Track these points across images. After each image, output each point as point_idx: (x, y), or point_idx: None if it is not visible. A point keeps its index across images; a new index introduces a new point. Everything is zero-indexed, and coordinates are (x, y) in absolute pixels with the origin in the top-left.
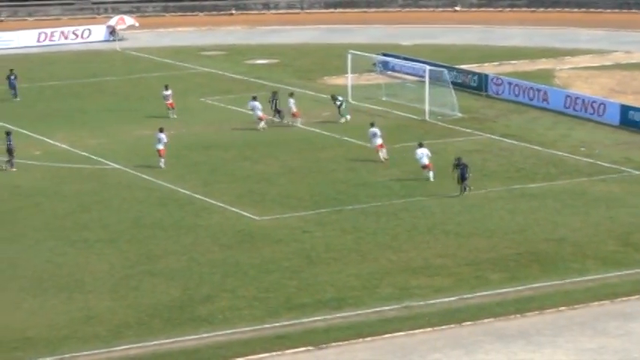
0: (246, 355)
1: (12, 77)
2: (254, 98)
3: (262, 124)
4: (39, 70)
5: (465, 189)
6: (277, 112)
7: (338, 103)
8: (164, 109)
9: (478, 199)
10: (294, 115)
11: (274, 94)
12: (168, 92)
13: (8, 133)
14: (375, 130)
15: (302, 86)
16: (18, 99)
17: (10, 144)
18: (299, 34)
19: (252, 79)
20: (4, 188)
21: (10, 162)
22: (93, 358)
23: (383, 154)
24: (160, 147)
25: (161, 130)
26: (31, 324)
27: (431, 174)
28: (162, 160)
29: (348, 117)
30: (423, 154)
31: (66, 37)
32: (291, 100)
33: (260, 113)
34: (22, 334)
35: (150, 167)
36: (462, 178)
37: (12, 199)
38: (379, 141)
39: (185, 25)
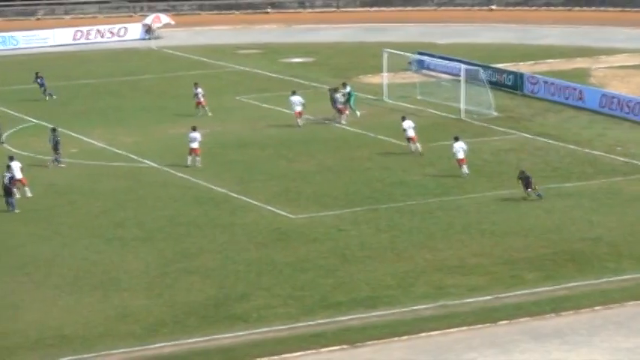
0: (282, 354)
1: (39, 79)
2: (293, 93)
3: (300, 120)
4: (75, 68)
5: (537, 194)
6: (338, 110)
7: (345, 96)
8: (189, 107)
9: (513, 198)
10: (340, 110)
11: (334, 90)
12: (199, 90)
13: (54, 130)
14: (409, 122)
15: (338, 85)
16: (47, 99)
17: (56, 140)
18: (335, 33)
19: (287, 78)
20: (40, 186)
21: (56, 159)
22: (128, 355)
23: (416, 147)
24: (195, 145)
25: (194, 129)
26: (67, 321)
27: (465, 168)
28: (198, 158)
29: (358, 113)
30: (460, 148)
31: (102, 36)
32: (338, 96)
33: (299, 108)
34: (58, 332)
35: (185, 165)
36: (527, 187)
37: (48, 196)
38: (412, 133)
39: (221, 24)
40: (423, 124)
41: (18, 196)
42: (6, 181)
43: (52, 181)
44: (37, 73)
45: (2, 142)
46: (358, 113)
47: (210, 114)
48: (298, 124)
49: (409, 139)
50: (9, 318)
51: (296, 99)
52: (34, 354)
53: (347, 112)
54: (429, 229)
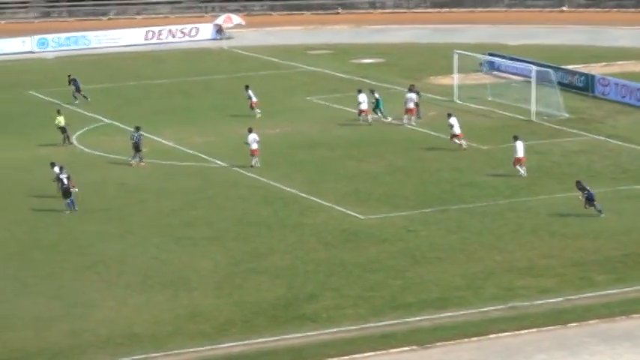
0: (351, 354)
1: (73, 81)
2: (359, 91)
3: (365, 117)
4: (147, 68)
5: (598, 210)
6: (407, 110)
7: (373, 101)
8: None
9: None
10: (409, 111)
11: (409, 90)
12: (251, 92)
13: (137, 129)
14: (455, 119)
15: (408, 86)
16: (77, 102)
17: (137, 139)
18: (405, 34)
19: (358, 79)
20: (111, 185)
21: (135, 157)
22: (198, 355)
23: (462, 142)
24: (255, 147)
25: (250, 131)
26: (137, 320)
27: (524, 169)
28: (256, 159)
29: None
30: (520, 147)
31: (173, 36)
32: (409, 96)
33: (364, 107)
34: (129, 330)
35: (255, 166)
36: (590, 201)
37: (119, 195)
38: (457, 130)
39: (292, 24)
40: (494, 125)
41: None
42: (65, 182)
43: (124, 181)
44: (69, 76)
45: (71, 143)
46: (389, 119)
47: (259, 115)
48: (365, 121)
49: (455, 136)
50: (80, 316)
51: (362, 97)
52: (104, 352)
53: (415, 113)
54: (498, 231)
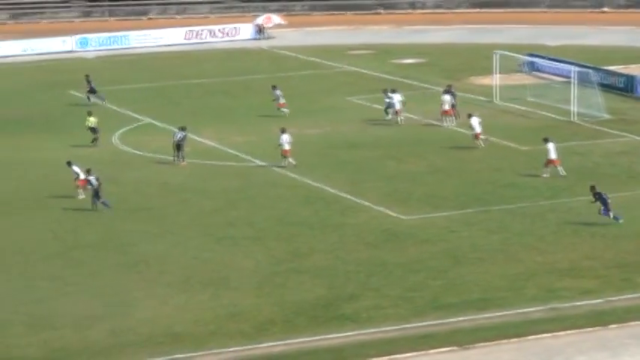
0: (391, 354)
1: (90, 83)
2: (393, 91)
3: (397, 117)
4: (187, 67)
5: (615, 218)
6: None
7: (389, 100)
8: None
9: (625, 201)
10: (445, 112)
11: (446, 91)
12: (279, 92)
13: (183, 129)
14: (476, 119)
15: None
16: (91, 102)
17: (180, 139)
18: (446, 34)
19: (398, 79)
20: (153, 185)
21: (178, 156)
22: (238, 354)
23: (481, 142)
24: (287, 147)
25: (283, 131)
26: (178, 319)
27: (555, 171)
28: (290, 159)
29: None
30: (552, 149)
31: (214, 36)
32: (445, 98)
33: (398, 107)
34: (169, 329)
35: (295, 165)
36: (605, 206)
37: (160, 195)
38: (479, 130)
39: (332, 24)
40: (534, 126)
41: (83, 196)
42: (94, 183)
43: (165, 180)
44: (87, 76)
45: (97, 145)
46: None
47: (284, 115)
48: (398, 119)
49: (476, 136)
50: (121, 315)
51: (396, 97)
52: (144, 351)
53: (452, 114)
54: (539, 232)
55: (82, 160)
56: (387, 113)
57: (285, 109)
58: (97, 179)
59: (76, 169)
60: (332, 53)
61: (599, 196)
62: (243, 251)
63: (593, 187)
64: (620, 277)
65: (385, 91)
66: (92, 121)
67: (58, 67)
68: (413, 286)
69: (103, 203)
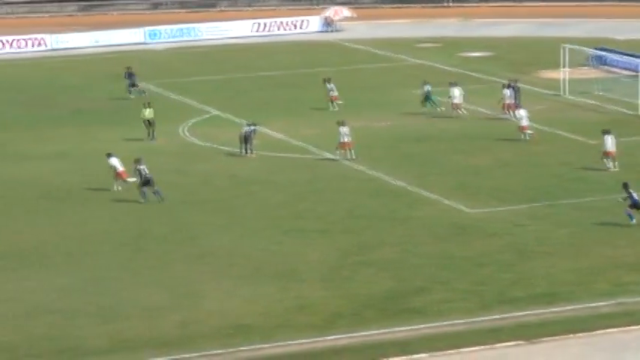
0: (458, 348)
1: (129, 75)
2: (454, 84)
3: (456, 110)
4: (256, 60)
5: (630, 217)
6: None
7: (426, 91)
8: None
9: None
10: (508, 106)
11: (507, 85)
12: (331, 85)
13: (253, 124)
14: (523, 112)
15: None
16: (133, 96)
17: (249, 133)
18: (513, 27)
19: (465, 72)
20: (222, 177)
21: (247, 149)
22: (304, 347)
23: (527, 134)
24: (346, 140)
25: (342, 124)
26: (246, 311)
27: (615, 163)
28: (347, 151)
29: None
30: (609, 141)
31: (283, 28)
32: (506, 92)
33: (457, 101)
34: (238, 321)
35: (362, 158)
36: (633, 207)
37: (229, 187)
38: (525, 122)
39: (400, 17)
40: (602, 120)
41: (119, 188)
42: (146, 173)
43: (233, 172)
44: (128, 67)
45: (154, 138)
46: (442, 108)
47: (336, 109)
48: (461, 113)
49: (522, 128)
50: (190, 307)
51: (455, 91)
52: (213, 343)
53: (514, 108)
54: (607, 226)
55: (151, 153)
56: (426, 105)
57: (337, 102)
58: (142, 170)
59: (114, 161)
60: (400, 46)
61: (630, 196)
62: (311, 244)
63: (626, 185)
64: None
65: (425, 83)
66: (146, 113)
67: (128, 59)
68: (480, 280)
69: (156, 192)
